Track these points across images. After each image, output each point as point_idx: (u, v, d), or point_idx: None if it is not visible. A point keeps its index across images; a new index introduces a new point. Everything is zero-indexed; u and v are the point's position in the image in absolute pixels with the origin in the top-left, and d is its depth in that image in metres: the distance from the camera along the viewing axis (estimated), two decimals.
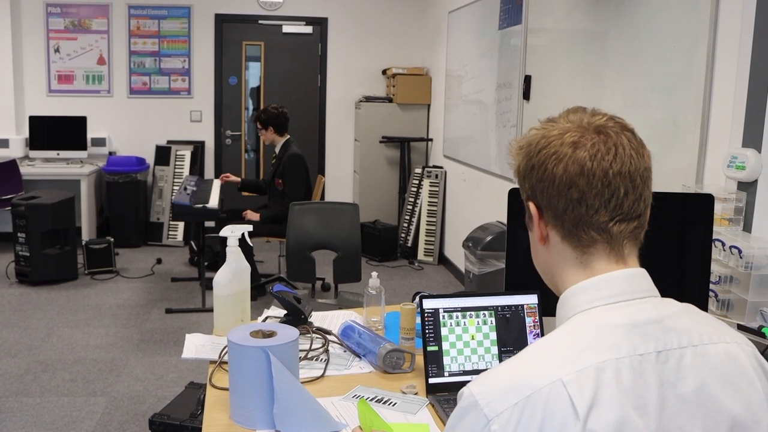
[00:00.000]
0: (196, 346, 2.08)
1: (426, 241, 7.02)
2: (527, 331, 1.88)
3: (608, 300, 1.00)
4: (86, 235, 6.86)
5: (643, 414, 0.91)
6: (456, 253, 6.48)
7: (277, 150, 5.70)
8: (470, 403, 0.94)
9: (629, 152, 1.01)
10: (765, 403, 0.98)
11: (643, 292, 1.01)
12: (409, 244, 7.07)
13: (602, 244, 1.02)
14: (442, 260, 6.97)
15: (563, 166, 1.01)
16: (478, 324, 1.85)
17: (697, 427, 0.94)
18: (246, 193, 6.25)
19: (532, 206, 1.07)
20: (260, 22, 7.73)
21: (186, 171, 7.49)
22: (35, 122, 7.14)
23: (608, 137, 1.01)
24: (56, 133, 7.18)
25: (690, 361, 0.96)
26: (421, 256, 7.02)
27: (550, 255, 1.09)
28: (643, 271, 1.04)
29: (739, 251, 2.48)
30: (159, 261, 6.72)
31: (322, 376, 1.92)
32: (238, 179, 5.98)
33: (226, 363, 1.92)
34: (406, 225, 7.17)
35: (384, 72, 7.82)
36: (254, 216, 5.49)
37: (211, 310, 5.24)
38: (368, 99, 7.58)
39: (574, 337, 0.96)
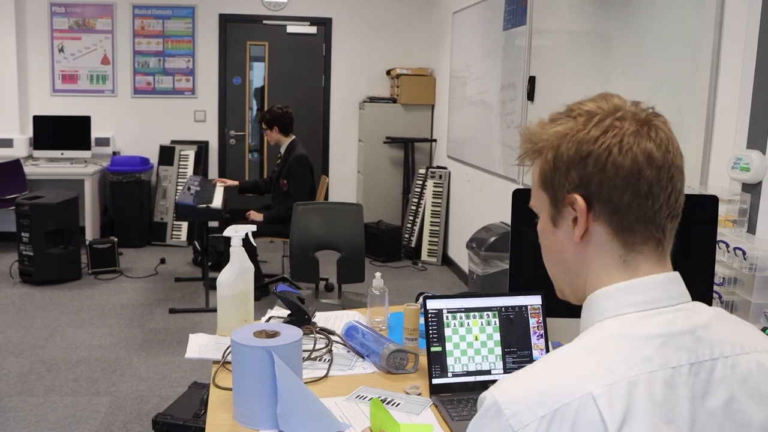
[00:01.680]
0: (200, 346, 2.08)
1: (429, 241, 7.02)
2: (531, 332, 1.88)
3: (642, 306, 0.95)
4: (90, 234, 6.87)
5: (674, 429, 0.88)
6: (459, 254, 6.48)
7: (282, 150, 5.70)
8: (494, 411, 0.89)
9: (677, 145, 0.98)
10: None
11: (678, 298, 0.97)
12: (413, 245, 7.07)
13: (654, 242, 0.97)
14: (446, 261, 6.97)
15: (632, 156, 0.94)
16: (482, 325, 1.85)
17: None
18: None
19: (579, 199, 0.97)
20: (264, 22, 7.74)
21: (190, 171, 7.49)
22: (39, 122, 7.15)
23: (660, 129, 0.97)
24: (60, 132, 7.19)
25: (720, 374, 0.93)
26: (424, 256, 7.02)
27: (584, 254, 1.01)
28: (678, 275, 0.99)
29: (744, 253, 2.47)
30: (162, 261, 6.73)
31: (326, 376, 1.92)
32: (236, 182, 5.97)
33: (229, 363, 1.92)
34: (409, 225, 7.17)
35: (388, 72, 7.82)
36: (258, 216, 5.49)
37: (214, 311, 5.25)
38: (372, 99, 7.58)
39: (605, 347, 0.91)
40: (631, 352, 0.90)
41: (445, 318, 1.84)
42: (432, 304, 1.84)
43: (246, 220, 5.51)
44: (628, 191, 0.94)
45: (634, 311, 0.95)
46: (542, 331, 1.89)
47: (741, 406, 0.92)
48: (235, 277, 2.15)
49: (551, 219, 1.03)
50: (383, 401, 1.76)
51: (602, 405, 0.85)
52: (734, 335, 0.97)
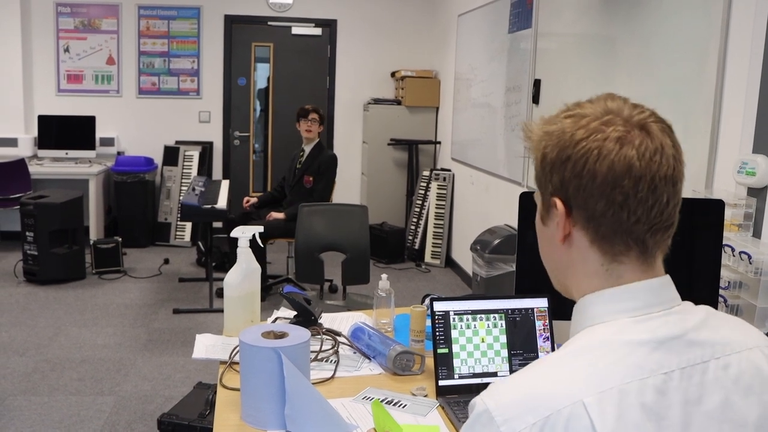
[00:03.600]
0: (206, 346, 2.09)
1: (433, 243, 7.02)
2: (537, 334, 1.88)
3: (632, 313, 0.94)
4: (94, 234, 6.88)
5: None
6: (463, 256, 6.48)
7: (308, 148, 5.78)
8: (485, 418, 0.89)
9: (672, 153, 0.93)
10: None
11: (668, 303, 0.96)
12: (417, 247, 7.08)
13: (635, 253, 0.95)
14: (449, 263, 6.97)
15: (608, 164, 0.91)
16: (489, 327, 1.86)
17: None
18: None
19: (558, 202, 0.96)
20: (269, 23, 7.75)
21: (194, 171, 7.50)
22: (44, 121, 7.17)
23: (653, 136, 0.93)
24: (65, 132, 7.21)
25: (713, 375, 0.92)
26: (428, 258, 7.02)
27: (569, 256, 1.00)
28: (668, 279, 0.97)
29: (749, 257, 2.47)
30: (166, 261, 6.74)
31: (332, 377, 1.93)
32: (255, 199, 5.97)
33: (236, 363, 1.92)
34: (413, 227, 7.18)
35: (393, 74, 7.83)
36: (279, 215, 5.54)
37: (218, 311, 5.26)
38: (377, 101, 7.59)
39: (596, 353, 0.91)
40: (622, 358, 0.89)
41: (451, 320, 1.84)
42: (439, 306, 1.85)
43: (266, 222, 5.49)
44: (602, 200, 0.92)
45: (623, 317, 0.94)
46: (548, 334, 1.89)
47: (736, 406, 0.92)
48: (242, 278, 2.16)
49: (541, 217, 1.03)
50: (389, 402, 1.77)
51: (593, 413, 0.85)
52: (724, 335, 0.96)
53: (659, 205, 0.92)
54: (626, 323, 0.93)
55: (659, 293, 0.96)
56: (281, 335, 1.69)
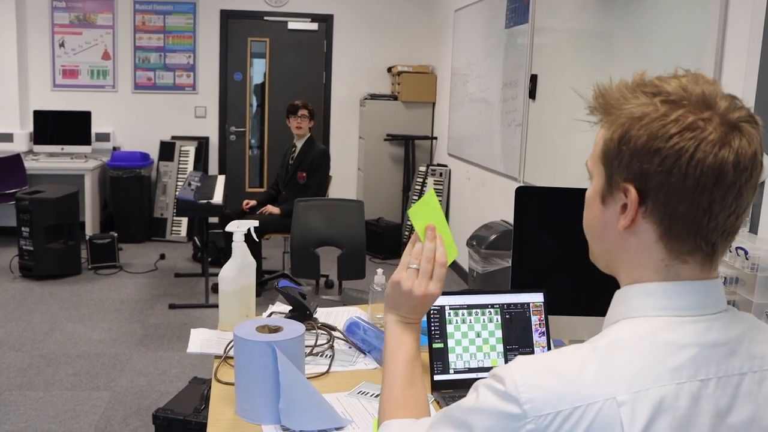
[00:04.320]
0: (201, 340, 2.08)
1: None
2: (533, 329, 1.88)
3: (678, 312, 0.91)
4: (90, 230, 6.87)
5: None
6: (459, 252, 6.48)
7: (299, 144, 5.79)
8: (511, 392, 0.86)
9: (761, 160, 0.88)
10: None
11: (714, 306, 0.92)
12: None
13: (701, 255, 0.91)
14: None
15: (702, 168, 0.85)
16: (484, 322, 1.85)
17: None
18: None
19: (632, 191, 0.90)
20: (266, 18, 7.73)
21: (190, 167, 7.49)
22: (40, 117, 7.14)
23: (751, 140, 0.87)
24: (60, 127, 7.19)
25: (746, 389, 0.90)
26: None
27: (626, 243, 0.95)
28: (719, 282, 0.94)
29: (745, 252, 2.47)
30: (162, 256, 6.72)
31: (327, 371, 1.92)
32: (255, 201, 5.93)
33: (231, 358, 1.92)
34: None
35: (389, 70, 7.81)
36: (275, 210, 5.56)
37: (214, 306, 5.25)
38: (373, 96, 7.57)
39: (636, 350, 0.88)
40: (661, 360, 0.87)
41: (447, 315, 1.84)
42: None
43: (261, 216, 5.50)
44: (687, 202, 0.87)
45: (668, 315, 0.91)
46: (544, 329, 1.89)
47: (764, 422, 0.90)
48: (237, 272, 2.15)
49: (601, 196, 0.97)
50: None
51: (624, 412, 0.83)
52: (765, 349, 0.93)
53: (738, 211, 0.89)
54: (670, 322, 0.90)
55: (709, 295, 0.93)
56: (276, 329, 1.68)
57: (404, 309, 1.22)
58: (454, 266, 6.65)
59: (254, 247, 5.34)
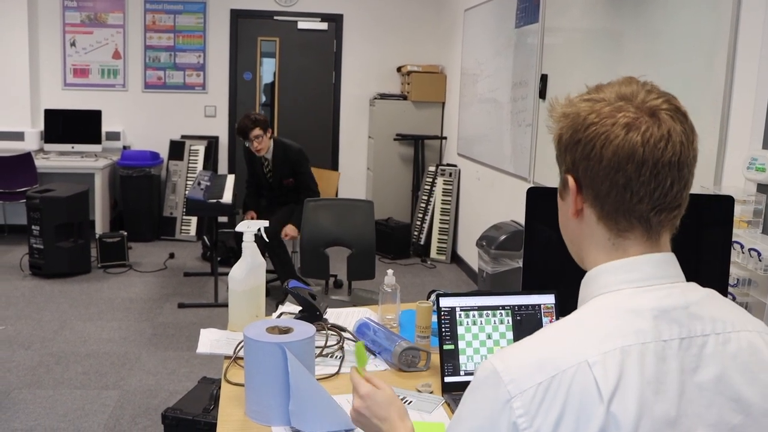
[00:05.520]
0: (211, 341, 2.08)
1: (439, 239, 7.00)
2: None
3: (637, 283, 0.99)
4: (100, 228, 6.89)
5: (663, 400, 0.91)
6: (469, 252, 6.46)
7: (269, 153, 5.50)
8: (493, 379, 0.93)
9: (680, 139, 0.97)
10: None
11: (672, 278, 1.00)
12: (422, 242, 7.06)
13: (639, 230, 1.00)
14: (455, 259, 6.95)
15: (613, 149, 0.96)
16: (495, 323, 1.84)
17: (714, 414, 0.94)
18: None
19: (570, 180, 1.03)
20: (275, 18, 7.73)
21: (200, 166, 7.50)
22: (50, 115, 7.17)
23: (662, 122, 0.97)
24: (71, 126, 7.21)
25: (711, 350, 0.96)
26: (433, 254, 7.01)
27: (581, 230, 1.06)
28: (673, 256, 1.02)
29: (758, 254, 2.45)
30: (172, 255, 6.73)
31: (337, 373, 1.92)
32: (255, 213, 5.69)
33: (240, 359, 1.91)
34: (419, 223, 7.16)
35: (399, 69, 7.80)
36: (294, 233, 5.30)
37: (223, 306, 5.25)
38: (383, 96, 7.56)
39: (601, 318, 0.96)
40: (626, 323, 0.94)
41: (458, 316, 1.82)
42: (445, 302, 1.83)
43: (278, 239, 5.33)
44: (607, 182, 0.98)
45: (629, 287, 0.98)
46: None
47: (730, 381, 0.95)
48: (247, 272, 2.15)
49: (559, 192, 1.09)
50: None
51: (597, 372, 0.89)
52: (726, 314, 1.00)
53: (662, 188, 0.97)
54: (631, 293, 0.98)
55: (663, 267, 1.00)
56: (286, 330, 1.68)
57: (375, 421, 1.34)
58: (464, 266, 6.64)
59: (281, 249, 5.31)
